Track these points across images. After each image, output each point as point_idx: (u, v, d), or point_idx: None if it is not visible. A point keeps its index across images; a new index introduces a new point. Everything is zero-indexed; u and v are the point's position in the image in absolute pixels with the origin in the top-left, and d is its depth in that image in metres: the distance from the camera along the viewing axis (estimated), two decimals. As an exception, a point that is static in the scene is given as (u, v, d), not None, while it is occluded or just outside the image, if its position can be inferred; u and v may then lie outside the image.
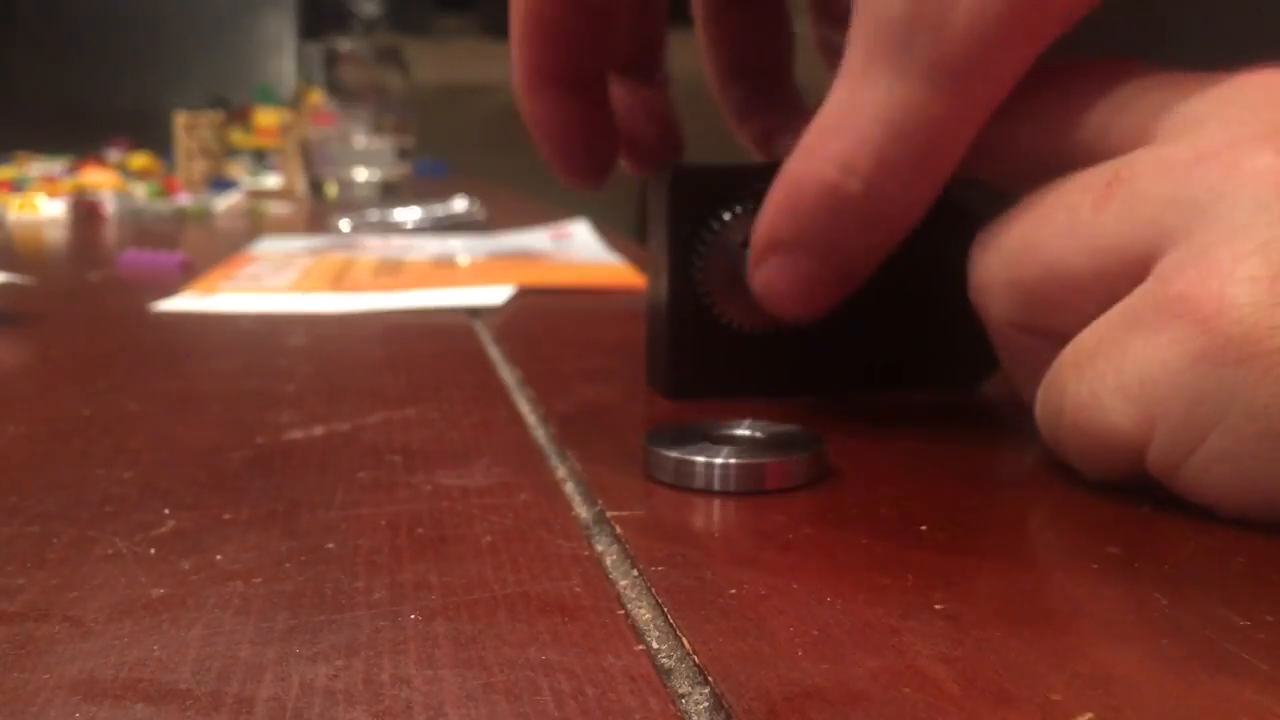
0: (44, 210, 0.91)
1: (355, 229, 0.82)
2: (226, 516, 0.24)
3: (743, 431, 0.27)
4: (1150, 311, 0.23)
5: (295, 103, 1.22)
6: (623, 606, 0.20)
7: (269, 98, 1.59)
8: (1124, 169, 0.24)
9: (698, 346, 0.32)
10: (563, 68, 0.32)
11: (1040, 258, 0.25)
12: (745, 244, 0.31)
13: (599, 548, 0.22)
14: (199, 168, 1.12)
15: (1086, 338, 0.24)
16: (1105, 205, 0.24)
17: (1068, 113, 0.26)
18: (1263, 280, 0.21)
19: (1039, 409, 0.26)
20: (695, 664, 0.17)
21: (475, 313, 0.49)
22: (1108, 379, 0.23)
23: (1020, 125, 0.27)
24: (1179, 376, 0.22)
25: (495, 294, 0.52)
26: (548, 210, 0.91)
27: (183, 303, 0.51)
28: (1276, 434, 0.21)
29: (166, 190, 1.02)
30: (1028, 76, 0.27)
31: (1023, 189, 0.26)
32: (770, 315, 0.31)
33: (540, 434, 0.30)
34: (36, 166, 1.20)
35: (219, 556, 0.22)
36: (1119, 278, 0.24)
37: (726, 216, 0.31)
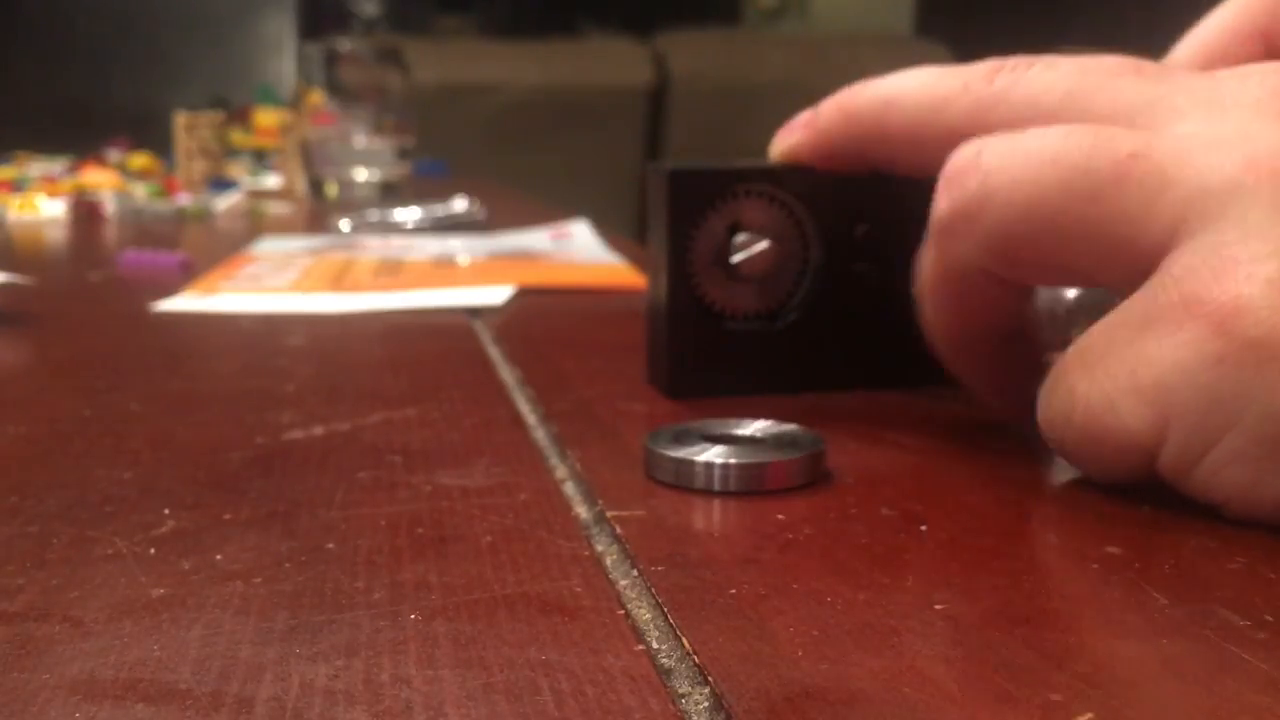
0: (44, 210, 0.91)
1: (355, 229, 0.82)
2: (226, 516, 0.24)
3: (743, 431, 0.27)
4: (1164, 311, 0.22)
5: (295, 103, 1.22)
6: (623, 606, 0.20)
7: (269, 98, 1.59)
8: (1144, 144, 0.23)
9: (698, 345, 0.33)
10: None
11: (1043, 211, 0.24)
12: (731, 230, 0.32)
13: (599, 548, 0.22)
14: (199, 168, 1.12)
15: (1095, 338, 0.24)
16: (1125, 180, 0.23)
17: (1079, 110, 0.26)
18: None
19: (1042, 410, 0.26)
20: (695, 664, 0.17)
21: (475, 313, 0.49)
22: (1120, 380, 0.23)
23: (1032, 122, 0.27)
24: (1196, 379, 0.22)
25: (495, 294, 0.52)
26: (548, 210, 0.91)
27: (183, 303, 0.51)
28: None
29: (166, 190, 1.02)
30: (1036, 72, 0.27)
31: None
32: (755, 302, 0.31)
33: (540, 434, 0.30)
34: (36, 166, 1.19)
35: (219, 556, 0.22)
36: (1122, 258, 0.23)
37: (713, 210, 0.31)
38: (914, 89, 0.29)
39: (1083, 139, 0.24)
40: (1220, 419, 0.22)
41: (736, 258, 0.32)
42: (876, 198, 0.32)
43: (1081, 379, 0.24)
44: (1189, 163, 0.23)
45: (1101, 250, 0.24)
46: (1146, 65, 0.26)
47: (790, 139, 0.32)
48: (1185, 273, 0.22)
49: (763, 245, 0.32)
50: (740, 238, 0.32)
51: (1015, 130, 0.26)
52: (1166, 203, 0.23)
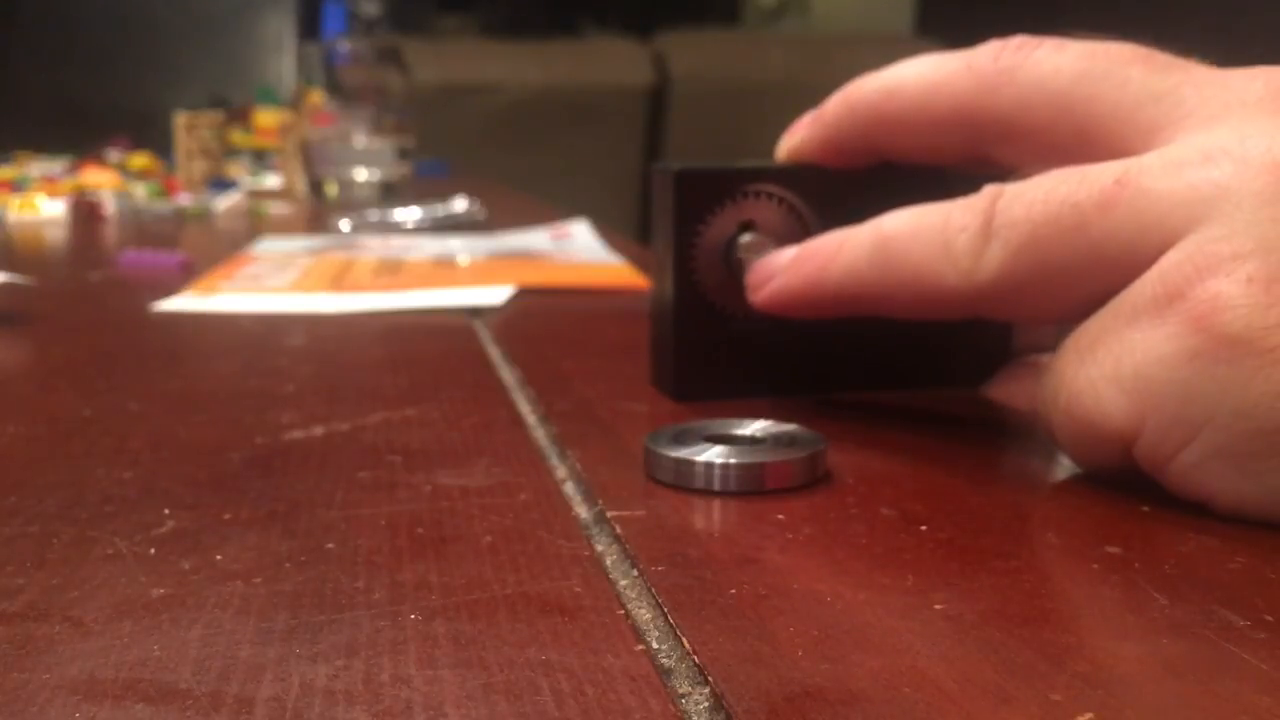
0: (44, 210, 0.91)
1: (355, 229, 0.82)
2: (226, 516, 0.24)
3: (743, 431, 0.27)
4: (1149, 304, 0.23)
5: (295, 103, 1.22)
6: (623, 606, 0.20)
7: (269, 98, 1.59)
8: (1132, 167, 0.24)
9: (704, 347, 0.32)
10: None
11: (1041, 255, 0.25)
12: (737, 231, 0.32)
13: (599, 548, 0.22)
14: (199, 168, 1.12)
15: (1090, 326, 0.24)
16: (1112, 207, 0.24)
17: (1086, 95, 0.26)
18: (1260, 281, 0.21)
19: (1039, 391, 0.26)
20: (695, 664, 0.17)
21: (475, 313, 0.49)
22: (1105, 368, 0.23)
23: (1038, 103, 0.27)
24: (1173, 373, 0.22)
25: (495, 294, 0.52)
26: (548, 210, 0.91)
27: (183, 303, 0.51)
28: (1267, 432, 0.21)
29: (166, 190, 1.02)
30: (1045, 53, 0.27)
31: (1033, 171, 0.26)
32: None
33: (540, 434, 0.30)
34: (36, 166, 1.19)
35: (219, 556, 0.22)
36: (1122, 278, 0.24)
37: (719, 210, 0.31)
38: (916, 73, 0.29)
39: (1070, 175, 0.25)
40: (1196, 414, 0.22)
41: (743, 259, 0.31)
42: (883, 197, 0.32)
43: (1071, 363, 0.24)
44: (1180, 176, 0.23)
45: (1101, 275, 0.24)
46: (1156, 55, 0.26)
47: (795, 138, 0.32)
48: (1171, 267, 0.23)
49: (769, 246, 0.31)
50: (746, 238, 0.31)
51: (1022, 109, 0.27)
52: (1157, 216, 0.23)
